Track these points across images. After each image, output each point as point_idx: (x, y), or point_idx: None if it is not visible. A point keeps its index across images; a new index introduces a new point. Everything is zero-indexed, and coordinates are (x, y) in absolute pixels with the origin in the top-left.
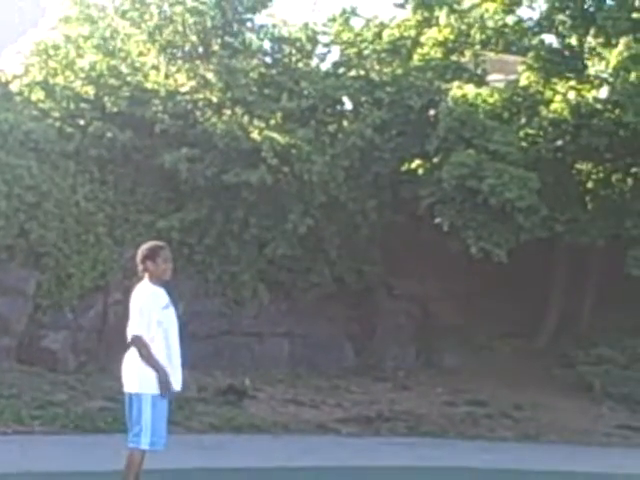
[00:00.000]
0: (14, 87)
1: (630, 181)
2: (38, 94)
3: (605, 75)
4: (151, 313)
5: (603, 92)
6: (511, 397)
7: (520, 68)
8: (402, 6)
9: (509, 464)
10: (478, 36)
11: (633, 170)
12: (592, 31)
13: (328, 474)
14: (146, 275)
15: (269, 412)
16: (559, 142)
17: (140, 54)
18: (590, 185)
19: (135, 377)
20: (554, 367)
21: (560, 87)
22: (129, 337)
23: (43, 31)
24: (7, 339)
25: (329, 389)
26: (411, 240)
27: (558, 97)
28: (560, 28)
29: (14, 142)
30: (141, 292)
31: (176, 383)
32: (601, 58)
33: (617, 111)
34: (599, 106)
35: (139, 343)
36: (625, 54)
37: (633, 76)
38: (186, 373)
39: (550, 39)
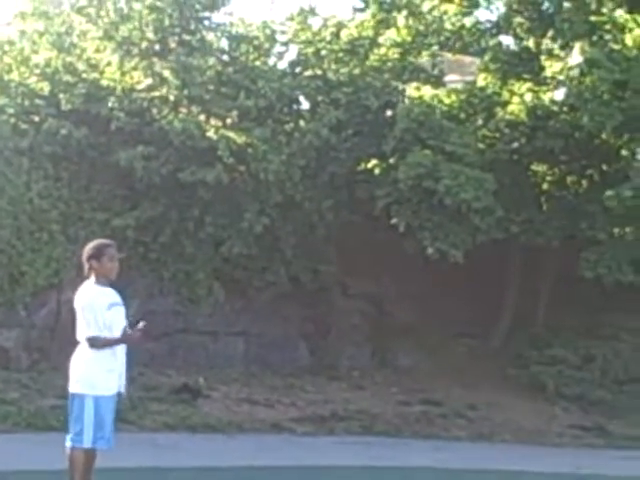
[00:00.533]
0: None
1: (585, 183)
2: None
3: (562, 77)
4: (96, 314)
5: (559, 94)
6: (465, 397)
7: (477, 69)
8: (362, 10)
9: (463, 463)
10: (436, 37)
11: (588, 172)
12: (550, 33)
13: (283, 473)
14: (92, 274)
15: (223, 411)
16: (515, 144)
17: (96, 51)
18: (545, 186)
19: (78, 377)
20: (508, 367)
21: (517, 89)
22: (80, 338)
23: None
24: None
25: (284, 388)
26: (367, 240)
27: (515, 99)
28: (518, 30)
29: None
30: (84, 292)
31: (120, 385)
32: (558, 60)
33: (573, 114)
34: (555, 108)
35: (97, 343)
36: (581, 58)
37: (588, 80)
38: (135, 372)
39: (508, 41)
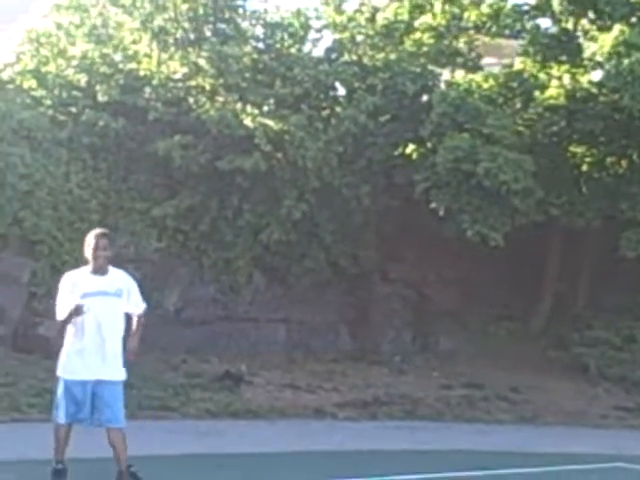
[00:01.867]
0: (5, 75)
1: (625, 163)
2: (30, 82)
3: (600, 59)
4: (67, 298)
5: (597, 75)
6: (507, 380)
7: (514, 52)
8: None
9: (506, 446)
10: (472, 21)
11: (628, 153)
12: (590, 15)
13: (325, 458)
14: (90, 262)
15: (266, 397)
16: (554, 127)
17: (132, 42)
18: (585, 168)
19: (59, 360)
20: (550, 349)
21: (555, 71)
22: None
23: (34, 19)
24: (2, 328)
25: (325, 374)
26: (406, 225)
27: (554, 82)
28: (556, 12)
29: (7, 130)
30: (67, 277)
31: (93, 372)
32: (596, 41)
33: (612, 95)
34: (594, 90)
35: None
36: (619, 39)
37: (627, 61)
38: (177, 360)
39: (545, 23)
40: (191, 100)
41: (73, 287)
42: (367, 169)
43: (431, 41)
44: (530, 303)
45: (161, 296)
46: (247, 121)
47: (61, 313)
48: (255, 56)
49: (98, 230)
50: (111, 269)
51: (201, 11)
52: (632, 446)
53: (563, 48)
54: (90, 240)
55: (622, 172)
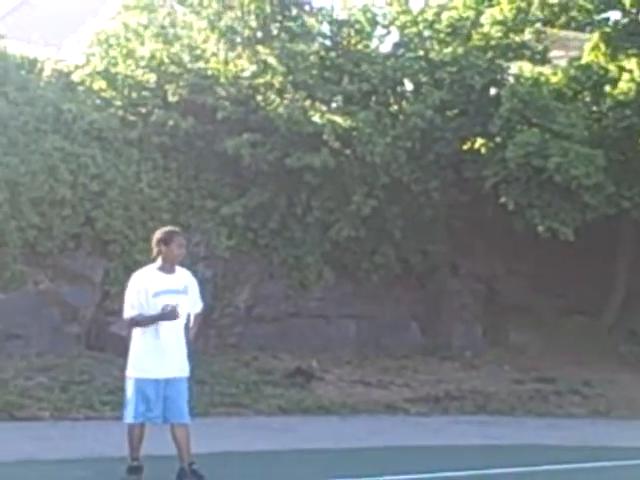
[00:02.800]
0: (76, 77)
1: None
2: (100, 83)
3: None
4: (138, 297)
5: None
6: (579, 374)
7: (583, 45)
8: None
9: (579, 441)
10: (539, 13)
11: None
12: None
13: (398, 454)
14: (159, 258)
15: (337, 393)
16: (625, 122)
17: (201, 41)
18: None
19: (129, 359)
20: (622, 343)
21: (626, 64)
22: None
23: (103, 20)
24: (76, 326)
25: (396, 369)
26: (476, 220)
27: (625, 76)
28: (626, 4)
29: (78, 131)
30: (137, 276)
31: (165, 371)
32: None
33: None
34: None
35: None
36: None
37: None
38: (248, 357)
39: (615, 15)
40: (259, 98)
41: (141, 286)
42: (435, 164)
43: (498, 35)
44: (602, 297)
45: (232, 294)
46: (315, 118)
47: (129, 311)
48: (322, 53)
49: (171, 228)
50: (178, 267)
51: (268, 9)
52: None
53: (633, 41)
54: (165, 237)
55: None
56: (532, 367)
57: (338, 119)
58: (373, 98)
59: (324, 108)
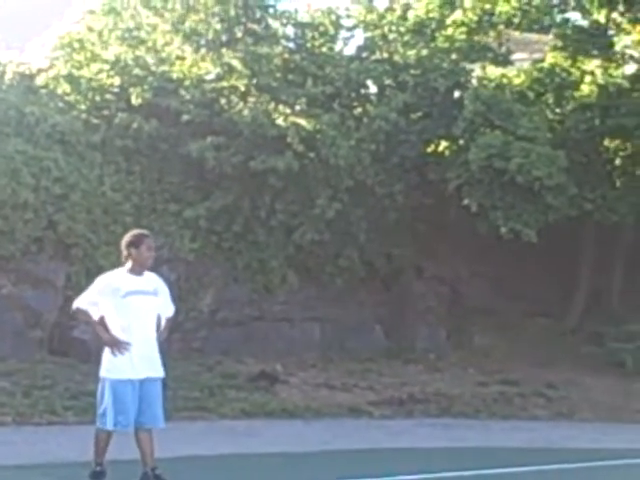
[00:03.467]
0: (40, 80)
1: None
2: (63, 87)
3: (632, 52)
4: (98, 295)
5: (630, 68)
6: (543, 376)
7: (545, 47)
8: None
9: (543, 443)
10: (502, 16)
11: None
12: (620, 7)
13: (362, 457)
14: (129, 261)
15: (301, 397)
16: (587, 124)
17: (165, 44)
18: (618, 162)
19: (102, 361)
20: (585, 345)
21: (587, 66)
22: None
23: (68, 24)
24: (39, 331)
25: (361, 372)
26: (439, 222)
27: (587, 78)
28: (586, 5)
29: (41, 135)
30: (106, 277)
31: (139, 371)
32: (627, 34)
33: None
34: (627, 84)
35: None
36: None
37: None
38: (212, 361)
39: (575, 17)
40: (223, 101)
41: (108, 287)
42: (400, 167)
43: (462, 37)
44: (564, 299)
45: (196, 297)
46: (279, 121)
47: (82, 302)
48: (286, 56)
49: (140, 231)
50: (146, 272)
51: (232, 12)
52: None
53: (594, 42)
54: (134, 240)
55: None
56: (496, 370)
57: (302, 122)
58: (337, 101)
59: (288, 111)
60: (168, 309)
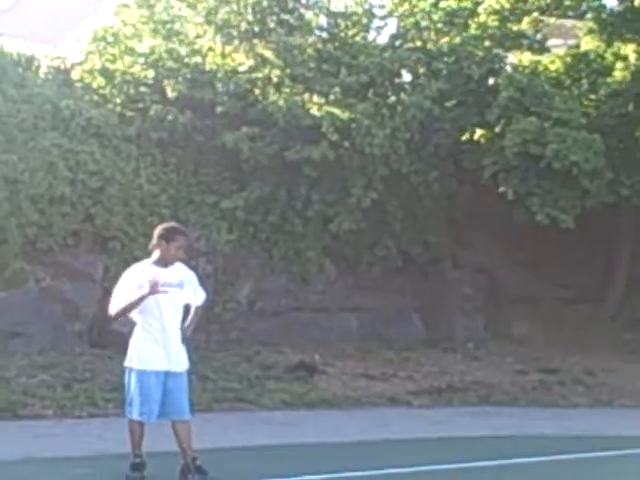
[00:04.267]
0: (74, 74)
1: None
2: (98, 80)
3: None
4: (126, 294)
5: None
6: (582, 363)
7: (580, 32)
8: None
9: (583, 430)
10: (536, 2)
11: None
12: None
13: (401, 446)
14: (156, 252)
15: (340, 387)
16: (622, 109)
17: (197, 36)
18: None
19: (128, 350)
20: (624, 332)
21: (622, 50)
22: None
23: (101, 17)
24: (78, 324)
25: (399, 362)
26: (475, 210)
27: (620, 64)
28: None
29: (76, 128)
30: (130, 272)
31: (166, 363)
32: None
33: None
34: None
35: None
36: None
37: None
38: (251, 351)
39: (610, 2)
40: (257, 92)
41: (133, 283)
42: (435, 155)
43: (496, 24)
44: (603, 285)
45: (233, 289)
46: (313, 111)
47: (114, 307)
48: (320, 46)
49: (176, 226)
50: (175, 263)
51: (265, 2)
52: None
53: (629, 27)
54: (166, 235)
55: None
56: (535, 358)
57: (336, 111)
58: (371, 90)
59: (322, 101)
60: (197, 297)
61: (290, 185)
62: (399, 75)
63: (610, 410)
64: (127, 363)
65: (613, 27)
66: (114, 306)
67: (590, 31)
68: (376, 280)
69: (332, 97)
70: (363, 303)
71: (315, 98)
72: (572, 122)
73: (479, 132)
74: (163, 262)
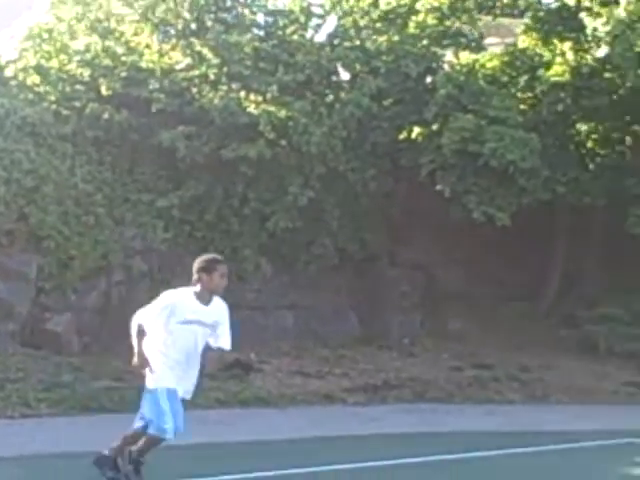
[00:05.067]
0: (9, 72)
1: (629, 139)
2: (33, 78)
3: (603, 34)
4: (158, 315)
5: (602, 51)
6: (517, 359)
7: (518, 30)
8: None
9: (517, 426)
10: (474, 1)
11: (632, 128)
12: None
13: (336, 444)
14: (198, 285)
15: (275, 385)
16: (559, 105)
17: (134, 34)
18: (590, 145)
19: (149, 374)
20: (559, 328)
21: (559, 48)
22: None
23: (36, 14)
24: (11, 324)
25: (335, 359)
26: (413, 207)
27: (558, 59)
28: None
29: (11, 127)
30: (172, 296)
31: (184, 392)
32: (598, 17)
33: (617, 71)
34: (598, 66)
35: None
36: (623, 14)
37: (631, 36)
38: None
39: (547, 0)
40: (194, 90)
41: (170, 309)
42: (372, 153)
43: (434, 22)
44: (539, 282)
45: (169, 287)
46: (250, 109)
47: (142, 319)
48: (257, 44)
49: (213, 256)
50: (215, 298)
51: (202, 1)
52: None
53: (565, 25)
54: (207, 266)
55: (627, 148)
56: (470, 354)
57: (273, 109)
58: (309, 88)
59: (259, 99)
60: (222, 340)
61: (226, 183)
62: (337, 73)
63: (544, 406)
64: (152, 385)
65: (549, 25)
66: (141, 318)
67: (527, 29)
68: (312, 278)
69: (269, 95)
70: (299, 301)
71: (252, 96)
72: (509, 120)
73: (417, 130)
74: (207, 295)
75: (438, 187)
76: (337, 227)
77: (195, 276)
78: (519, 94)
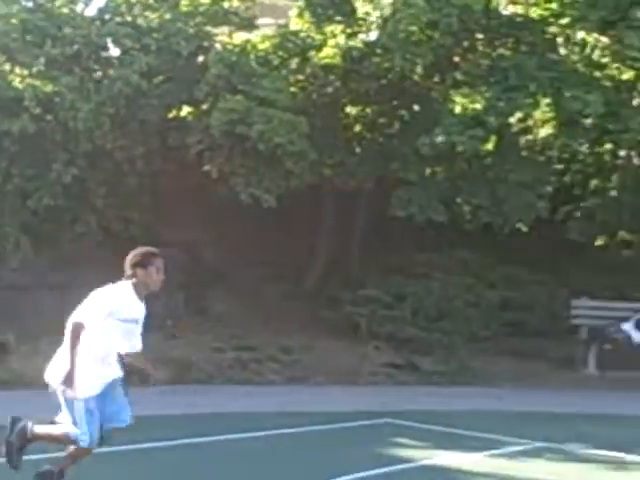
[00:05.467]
0: None
1: (396, 124)
2: None
3: (374, 18)
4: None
5: (372, 35)
6: (280, 341)
7: (290, 12)
8: None
9: (275, 407)
10: None
11: (399, 113)
12: None
13: None
14: (134, 281)
15: (32, 367)
16: (329, 88)
17: None
18: (358, 129)
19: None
20: (322, 309)
21: (330, 31)
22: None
23: None
24: None
25: None
26: (181, 188)
27: (330, 42)
28: None
29: None
30: (119, 294)
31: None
32: (370, 1)
33: (386, 55)
34: (368, 50)
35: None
36: None
37: (401, 20)
38: None
39: None
40: None
41: (120, 308)
42: (140, 131)
43: (207, 1)
44: (304, 264)
45: None
46: (16, 83)
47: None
48: (24, 15)
49: (150, 249)
50: None
51: None
52: (399, 402)
53: (337, 8)
54: (144, 260)
55: (394, 133)
56: (233, 335)
57: (40, 84)
58: (77, 63)
59: (25, 72)
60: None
61: None
62: (107, 49)
63: (304, 387)
64: (81, 395)
65: (322, 8)
66: (76, 332)
67: (300, 11)
68: (76, 256)
69: (36, 69)
70: (61, 280)
71: (18, 70)
72: (279, 102)
73: (187, 109)
74: (142, 292)
75: (206, 167)
76: (102, 206)
77: (129, 272)
78: (290, 76)
